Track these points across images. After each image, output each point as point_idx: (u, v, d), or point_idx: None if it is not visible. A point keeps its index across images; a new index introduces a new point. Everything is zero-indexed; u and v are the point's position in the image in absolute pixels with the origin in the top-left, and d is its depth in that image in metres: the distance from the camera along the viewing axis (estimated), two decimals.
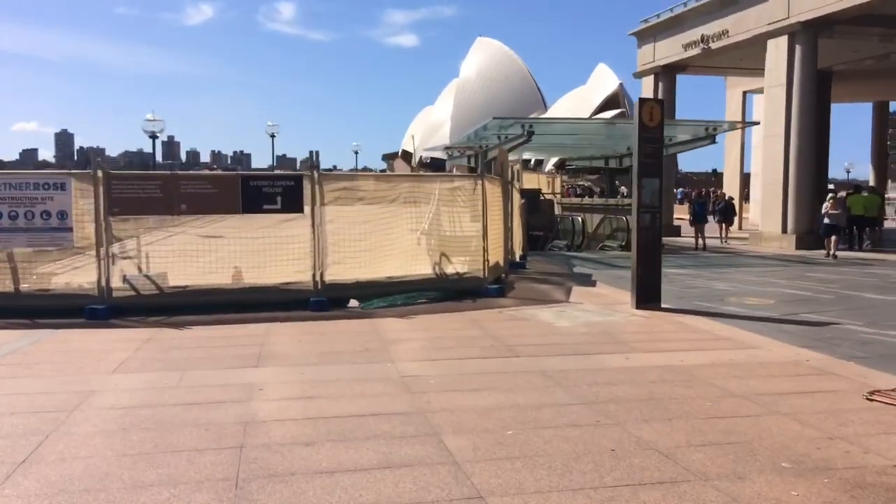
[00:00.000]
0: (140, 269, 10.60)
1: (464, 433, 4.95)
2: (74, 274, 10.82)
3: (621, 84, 56.54)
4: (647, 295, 10.04)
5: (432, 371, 6.73)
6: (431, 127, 65.12)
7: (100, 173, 10.06)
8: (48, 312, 9.49)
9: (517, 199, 16.30)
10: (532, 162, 46.12)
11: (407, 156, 70.02)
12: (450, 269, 11.66)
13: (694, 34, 26.22)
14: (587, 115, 45.68)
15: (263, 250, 10.75)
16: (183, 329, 8.91)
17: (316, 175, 10.64)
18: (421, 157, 60.88)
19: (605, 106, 54.68)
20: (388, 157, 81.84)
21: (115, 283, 10.05)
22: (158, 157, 34.98)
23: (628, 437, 4.85)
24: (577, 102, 55.86)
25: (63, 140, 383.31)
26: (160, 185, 10.51)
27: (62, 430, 5.10)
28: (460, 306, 10.43)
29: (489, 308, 10.26)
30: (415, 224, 11.85)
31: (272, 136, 37.50)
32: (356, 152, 64.77)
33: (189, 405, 5.69)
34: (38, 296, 10.02)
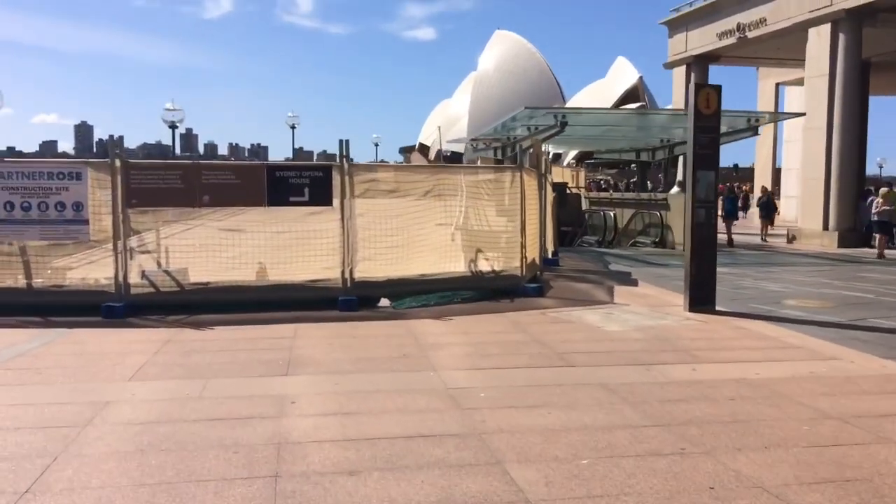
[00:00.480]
0: (159, 265, 10.02)
1: (531, 462, 4.28)
2: (90, 269, 10.25)
3: (641, 77, 55.26)
4: (701, 296, 9.32)
5: (480, 382, 6.08)
6: (449, 120, 64.27)
7: (118, 162, 9.49)
8: (62, 310, 8.94)
9: (549, 193, 15.58)
10: (550, 155, 45.17)
11: (424, 149, 69.20)
12: (485, 267, 10.99)
13: (729, 22, 25.30)
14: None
15: (289, 245, 10.13)
16: (204, 330, 8.32)
17: (346, 165, 9.99)
18: (439, 150, 60.22)
19: (624, 99, 53.48)
20: (405, 151, 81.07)
21: (133, 278, 9.48)
22: (177, 150, 34.48)
23: (724, 470, 4.16)
24: (595, 96, 54.68)
25: (83, 132, 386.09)
26: (181, 175, 9.91)
27: (72, 450, 4.50)
28: (498, 307, 9.76)
29: (529, 309, 9.59)
30: (448, 218, 11.20)
31: (293, 127, 36.89)
32: (376, 144, 63.98)
33: (213, 421, 5.07)
34: (51, 292, 9.46)
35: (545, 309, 9.59)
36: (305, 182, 10.02)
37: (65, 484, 3.99)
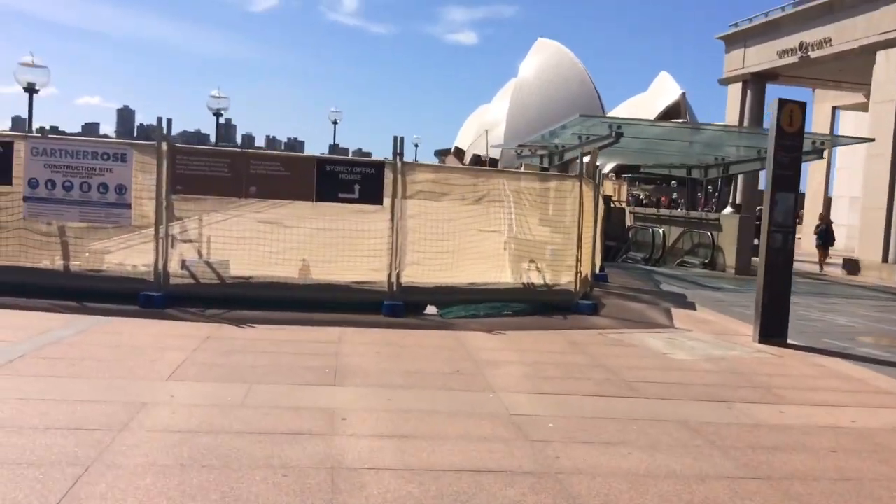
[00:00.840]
0: (200, 255, 9.62)
1: None
2: (127, 254, 9.92)
3: (684, 94, 54.20)
4: (773, 327, 8.67)
5: (546, 409, 5.54)
6: (486, 126, 63.68)
7: (164, 146, 9.12)
8: (98, 295, 8.58)
9: (601, 206, 14.99)
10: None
11: (459, 153, 68.70)
12: (537, 280, 10.44)
13: (791, 41, 24.46)
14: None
15: (334, 244, 9.68)
16: (245, 328, 7.89)
17: (399, 164, 9.53)
18: (475, 154, 59.74)
19: (666, 115, 52.51)
20: (441, 154, 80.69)
21: (173, 268, 9.10)
22: (214, 139, 34.33)
23: None
24: (636, 110, 53.71)
25: (125, 116, 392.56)
26: (228, 163, 9.52)
27: (106, 459, 4.05)
28: (552, 323, 9.22)
29: (584, 328, 9.02)
30: (501, 226, 10.69)
31: (335, 122, 36.59)
32: (416, 145, 63.41)
33: (259, 435, 4.60)
34: (88, 276, 9.12)
35: (602, 329, 9.02)
36: (356, 178, 9.57)
37: (97, 501, 3.53)
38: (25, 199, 9.01)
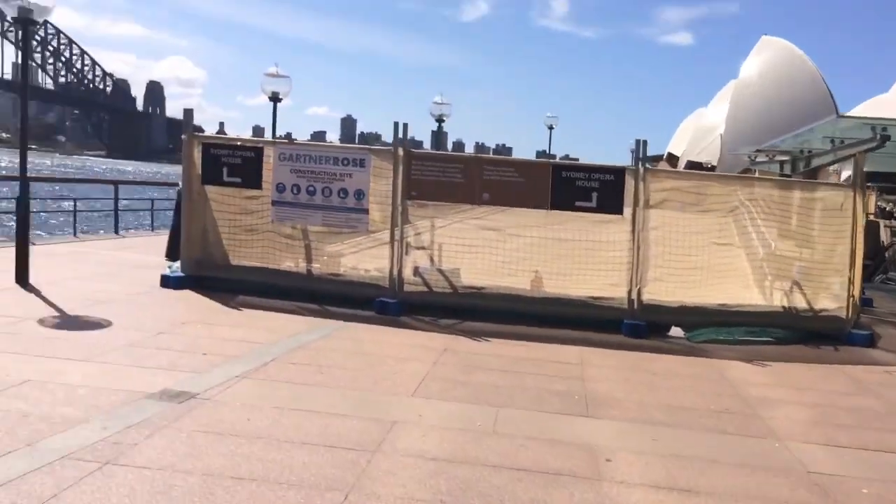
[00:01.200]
0: (432, 261, 9.49)
1: None
2: (359, 258, 10.01)
3: None
4: None
5: (851, 468, 4.55)
6: (703, 130, 59.82)
7: (401, 151, 9.07)
8: (336, 298, 8.70)
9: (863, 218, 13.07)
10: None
11: (672, 159, 65.41)
12: (800, 304, 9.13)
13: None
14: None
15: (568, 255, 9.07)
16: (480, 340, 7.56)
17: (641, 170, 8.76)
18: (689, 160, 56.55)
19: None
20: (652, 160, 77.18)
21: (406, 274, 9.02)
22: (428, 145, 35.23)
23: None
24: (877, 111, 47.51)
25: (347, 124, 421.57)
26: (462, 168, 9.29)
27: (364, 485, 3.77)
28: (821, 355, 7.97)
29: (864, 363, 7.70)
30: (753, 240, 9.52)
31: (550, 127, 36.09)
32: (633, 151, 61.39)
33: (518, 472, 4.12)
34: (328, 280, 9.31)
35: (887, 366, 7.64)
36: (594, 186, 8.91)
37: None
38: (273, 203, 9.37)
